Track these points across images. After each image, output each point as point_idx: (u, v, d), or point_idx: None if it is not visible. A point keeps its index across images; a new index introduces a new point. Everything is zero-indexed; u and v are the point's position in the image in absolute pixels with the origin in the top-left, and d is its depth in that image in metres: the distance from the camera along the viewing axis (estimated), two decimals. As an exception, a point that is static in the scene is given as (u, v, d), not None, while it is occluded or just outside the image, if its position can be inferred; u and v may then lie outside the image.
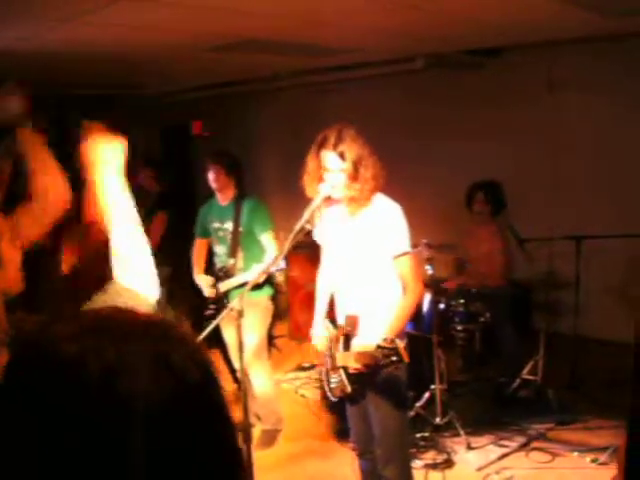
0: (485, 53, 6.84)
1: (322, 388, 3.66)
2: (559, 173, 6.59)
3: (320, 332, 3.52)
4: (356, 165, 3.19)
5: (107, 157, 1.90)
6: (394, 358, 2.90)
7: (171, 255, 5.69)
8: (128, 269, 1.85)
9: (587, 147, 6.45)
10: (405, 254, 3.31)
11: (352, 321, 3.28)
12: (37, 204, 2.25)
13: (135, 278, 1.85)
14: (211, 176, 4.79)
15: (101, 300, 1.84)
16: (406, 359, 2.94)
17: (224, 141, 8.81)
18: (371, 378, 3.26)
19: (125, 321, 0.88)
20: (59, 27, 4.67)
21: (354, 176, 3.19)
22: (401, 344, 2.92)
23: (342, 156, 3.19)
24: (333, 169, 3.22)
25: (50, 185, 2.27)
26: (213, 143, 8.72)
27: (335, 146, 3.21)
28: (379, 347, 2.92)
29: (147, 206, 6.09)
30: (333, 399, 3.50)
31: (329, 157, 3.23)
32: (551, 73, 6.62)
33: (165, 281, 5.94)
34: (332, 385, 3.40)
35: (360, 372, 3.15)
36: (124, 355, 0.80)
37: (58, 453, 0.76)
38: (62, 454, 0.76)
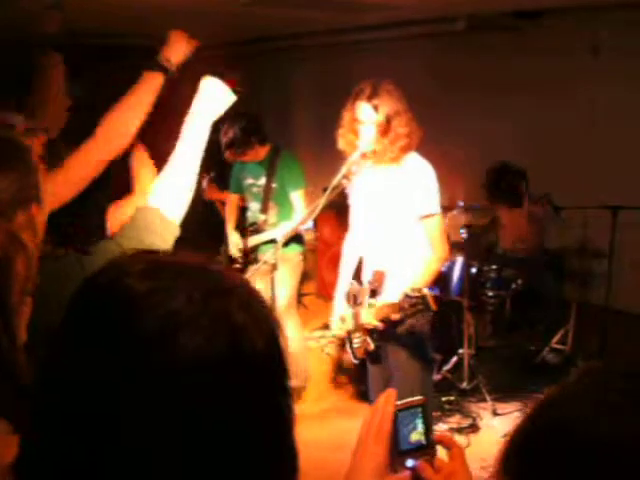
0: (527, 16, 6.68)
1: (343, 349, 3.63)
2: (600, 140, 6.44)
3: (340, 318, 3.48)
4: (389, 119, 3.13)
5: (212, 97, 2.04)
6: (421, 307, 2.86)
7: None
8: (171, 183, 1.92)
9: (630, 115, 6.29)
10: (433, 215, 3.26)
11: (379, 276, 3.24)
12: (96, 145, 2.11)
13: (169, 197, 1.90)
14: (246, 156, 4.74)
15: (130, 222, 1.88)
16: (434, 307, 2.90)
17: (256, 97, 8.76)
18: (393, 333, 3.23)
19: (199, 268, 0.82)
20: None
21: (385, 130, 3.14)
22: (429, 292, 2.87)
23: (376, 108, 3.14)
24: (365, 121, 3.18)
25: (122, 129, 2.14)
26: (245, 99, 8.66)
27: (370, 98, 3.16)
28: (406, 296, 2.88)
29: None
30: (355, 361, 3.48)
31: (363, 108, 3.19)
32: (595, 38, 6.45)
33: None
34: (355, 345, 3.38)
35: (378, 329, 3.13)
36: (192, 304, 0.74)
37: (97, 397, 0.71)
38: (99, 399, 0.71)
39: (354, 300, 3.34)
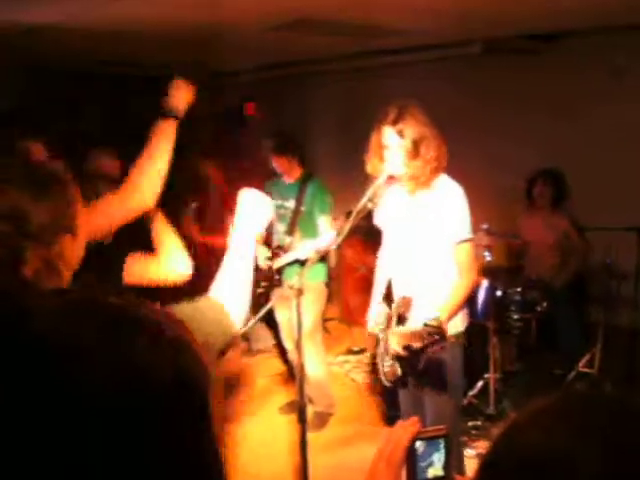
0: (544, 38, 6.70)
1: (373, 372, 3.60)
2: (622, 162, 6.41)
3: (375, 316, 3.46)
4: (416, 143, 3.11)
5: (251, 211, 2.01)
6: (437, 337, 2.85)
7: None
8: (230, 288, 1.89)
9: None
10: (465, 241, 3.24)
11: (405, 302, 3.22)
12: (130, 195, 2.26)
13: (230, 298, 1.87)
14: (274, 163, 4.77)
15: (187, 310, 1.79)
16: (447, 337, 2.91)
17: (277, 123, 8.81)
18: (417, 360, 3.22)
19: (103, 304, 0.81)
20: (111, 3, 4.67)
21: (414, 154, 3.12)
22: (445, 324, 2.88)
23: (401, 133, 3.12)
24: (391, 146, 3.16)
25: (151, 180, 2.29)
26: (266, 125, 8.73)
27: (394, 122, 3.14)
28: (425, 325, 2.88)
29: None
30: (387, 384, 3.45)
31: (388, 133, 3.17)
32: (613, 60, 6.44)
33: None
34: (386, 369, 3.36)
35: (401, 355, 3.11)
36: (96, 343, 0.74)
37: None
38: None
39: (386, 323, 3.32)
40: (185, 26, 5.56)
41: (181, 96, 2.45)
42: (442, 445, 1.18)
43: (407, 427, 1.19)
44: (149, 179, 2.29)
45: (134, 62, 7.74)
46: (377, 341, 3.39)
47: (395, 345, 3.10)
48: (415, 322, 3.16)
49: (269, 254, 4.79)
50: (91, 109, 7.90)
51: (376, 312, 3.46)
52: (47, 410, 0.70)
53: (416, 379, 3.41)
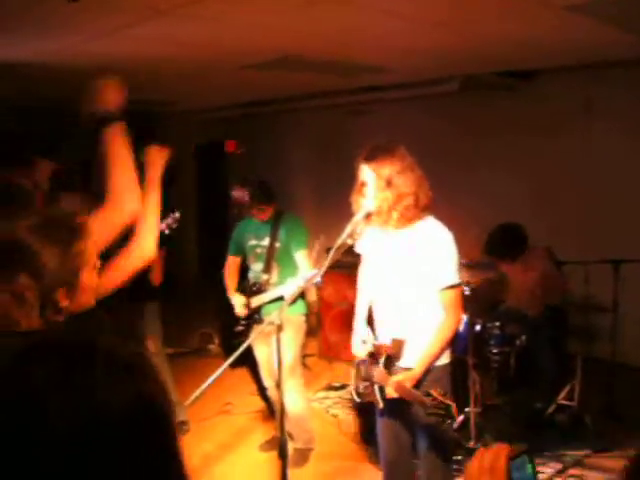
0: (519, 75, 6.83)
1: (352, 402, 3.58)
2: (597, 196, 6.51)
3: (361, 340, 3.44)
4: (389, 178, 3.14)
5: None
6: (442, 413, 2.82)
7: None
8: None
9: (627, 169, 6.37)
10: (452, 287, 3.23)
11: (398, 345, 3.22)
12: (112, 208, 2.20)
13: None
14: (255, 212, 4.71)
15: None
16: (457, 419, 2.89)
17: (255, 159, 8.85)
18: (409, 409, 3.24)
19: (57, 341, 0.84)
20: (95, 41, 4.71)
21: (385, 188, 3.14)
22: (452, 402, 2.86)
23: (373, 169, 3.16)
24: (367, 182, 3.20)
25: (126, 187, 2.23)
26: (244, 160, 8.77)
27: (367, 159, 3.19)
28: (428, 395, 2.86)
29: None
30: (357, 400, 3.49)
31: (363, 170, 3.22)
32: (587, 97, 6.57)
33: None
34: (361, 390, 3.37)
35: (394, 398, 3.14)
36: (51, 381, 0.76)
37: None
38: None
39: (372, 357, 3.31)
40: (167, 63, 5.60)
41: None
42: (528, 461, 1.21)
43: (500, 447, 1.19)
44: (126, 190, 2.22)
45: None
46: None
47: (390, 389, 3.11)
48: (405, 363, 3.20)
49: (245, 301, 4.75)
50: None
51: (361, 337, 3.44)
52: (17, 456, 0.71)
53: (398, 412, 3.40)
